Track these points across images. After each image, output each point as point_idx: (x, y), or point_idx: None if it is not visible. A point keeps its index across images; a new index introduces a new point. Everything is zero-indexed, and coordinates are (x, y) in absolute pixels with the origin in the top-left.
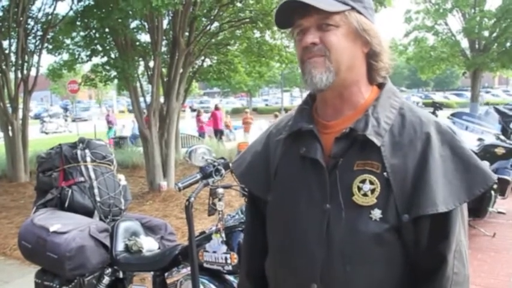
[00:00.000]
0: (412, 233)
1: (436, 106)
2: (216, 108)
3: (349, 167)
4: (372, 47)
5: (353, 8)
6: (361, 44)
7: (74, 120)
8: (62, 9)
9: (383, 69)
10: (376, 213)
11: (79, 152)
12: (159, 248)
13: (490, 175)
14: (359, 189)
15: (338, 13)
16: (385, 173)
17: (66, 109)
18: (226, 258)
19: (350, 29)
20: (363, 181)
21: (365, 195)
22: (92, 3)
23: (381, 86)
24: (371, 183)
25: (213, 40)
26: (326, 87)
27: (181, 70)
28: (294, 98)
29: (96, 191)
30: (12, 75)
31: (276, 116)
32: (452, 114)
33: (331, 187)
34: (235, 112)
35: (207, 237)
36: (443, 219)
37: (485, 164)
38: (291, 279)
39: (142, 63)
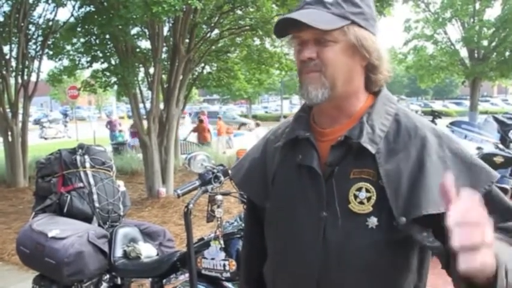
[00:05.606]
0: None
1: (435, 115)
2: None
3: (346, 175)
4: (371, 61)
5: (353, 22)
6: (359, 58)
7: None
8: (63, 15)
9: (381, 80)
10: (373, 221)
11: (78, 157)
12: (157, 255)
13: (492, 172)
14: (355, 197)
15: (336, 29)
16: (380, 180)
17: (65, 115)
18: (224, 265)
19: (348, 44)
20: (359, 189)
21: (361, 203)
22: (93, 9)
23: (376, 93)
24: (367, 191)
25: (213, 47)
26: (322, 102)
27: (181, 77)
28: (293, 106)
29: (95, 197)
30: (12, 81)
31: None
32: (451, 123)
33: (328, 195)
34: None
35: (205, 244)
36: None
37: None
38: (289, 285)
39: (142, 69)
